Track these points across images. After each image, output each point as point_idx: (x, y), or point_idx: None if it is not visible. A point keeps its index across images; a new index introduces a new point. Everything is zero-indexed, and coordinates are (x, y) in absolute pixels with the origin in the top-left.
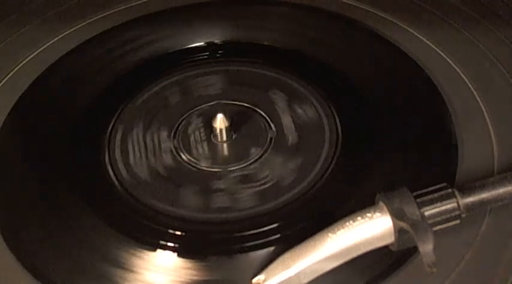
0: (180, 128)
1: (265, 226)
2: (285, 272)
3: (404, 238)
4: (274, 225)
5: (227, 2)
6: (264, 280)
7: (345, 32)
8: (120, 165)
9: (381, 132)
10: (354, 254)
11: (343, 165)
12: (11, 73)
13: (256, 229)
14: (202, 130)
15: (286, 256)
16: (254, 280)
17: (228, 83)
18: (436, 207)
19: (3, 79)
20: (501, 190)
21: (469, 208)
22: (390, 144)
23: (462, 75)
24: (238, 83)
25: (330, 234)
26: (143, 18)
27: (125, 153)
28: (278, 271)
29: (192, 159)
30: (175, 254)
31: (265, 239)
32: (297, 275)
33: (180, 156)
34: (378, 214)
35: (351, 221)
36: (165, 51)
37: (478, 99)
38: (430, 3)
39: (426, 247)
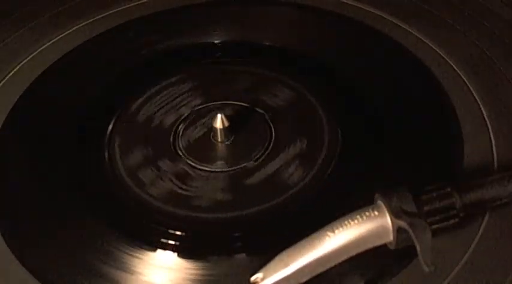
0: (180, 128)
1: (266, 225)
2: (283, 271)
3: (402, 236)
4: (274, 225)
5: (227, 2)
6: (262, 279)
7: (345, 32)
8: (120, 165)
9: (381, 131)
10: (353, 253)
11: (343, 165)
12: (11, 73)
13: (257, 228)
14: (202, 130)
15: (285, 254)
16: (252, 278)
17: (228, 83)
18: (434, 206)
19: (3, 79)
20: (500, 190)
21: (468, 207)
22: (390, 143)
23: (462, 75)
24: (238, 83)
25: (328, 233)
26: (143, 19)
27: (124, 153)
28: (276, 269)
29: (192, 159)
30: (176, 254)
31: (266, 239)
32: (295, 273)
33: (180, 156)
34: (376, 213)
35: (349, 220)
36: (165, 51)
37: (478, 99)
38: (430, 3)
39: (424, 246)
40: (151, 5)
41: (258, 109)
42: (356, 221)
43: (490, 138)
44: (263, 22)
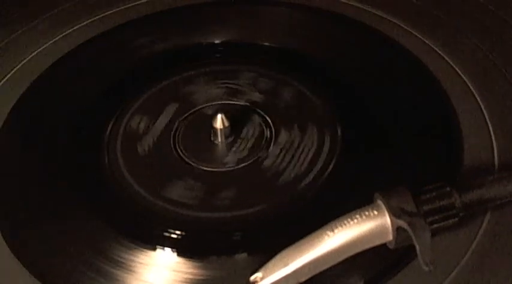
0: (180, 128)
1: (266, 225)
2: (283, 270)
3: (402, 236)
4: (274, 225)
5: (227, 2)
6: (262, 278)
7: (344, 32)
8: (120, 165)
9: (381, 131)
10: (352, 253)
11: (343, 165)
12: (11, 73)
13: (256, 228)
14: (202, 130)
15: (284, 253)
16: (252, 278)
17: (228, 83)
18: (434, 205)
19: (3, 79)
20: (500, 190)
21: (468, 206)
22: (390, 143)
23: (462, 75)
24: (239, 83)
25: (327, 232)
26: (143, 19)
27: (124, 153)
28: (276, 268)
29: (193, 159)
30: (175, 253)
31: (265, 239)
32: (295, 273)
33: (181, 156)
34: (375, 212)
35: (349, 220)
36: (165, 51)
37: (478, 99)
38: (431, 3)
39: (423, 246)
40: (151, 5)
41: (258, 109)
42: (355, 220)
43: (490, 137)
44: (263, 22)
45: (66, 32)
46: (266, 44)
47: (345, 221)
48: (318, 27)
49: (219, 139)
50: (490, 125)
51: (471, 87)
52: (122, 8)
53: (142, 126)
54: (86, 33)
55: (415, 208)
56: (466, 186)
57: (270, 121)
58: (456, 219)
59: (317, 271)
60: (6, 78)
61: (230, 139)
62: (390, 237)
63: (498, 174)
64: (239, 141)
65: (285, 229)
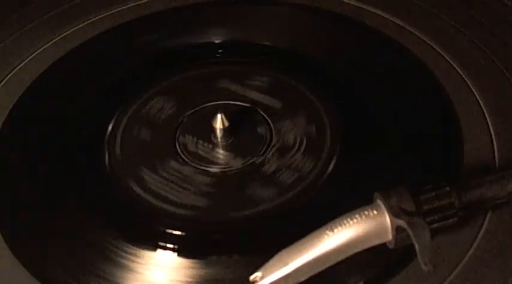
0: (180, 128)
1: (265, 225)
2: (282, 270)
3: (401, 235)
4: (274, 225)
5: (227, 2)
6: (261, 277)
7: (345, 32)
8: (120, 165)
9: (381, 131)
10: (351, 252)
11: (343, 165)
12: (11, 73)
13: (256, 228)
14: (202, 130)
15: (284, 253)
16: (251, 277)
17: (228, 83)
18: (433, 205)
19: (3, 79)
20: (499, 189)
21: (467, 206)
22: (390, 143)
23: (462, 75)
24: (238, 83)
25: (327, 232)
26: (143, 19)
27: (124, 153)
28: (275, 268)
29: (192, 159)
30: (175, 254)
31: (265, 239)
32: (294, 272)
33: (180, 156)
34: (375, 212)
35: (348, 219)
36: (165, 51)
37: (478, 99)
38: (431, 3)
39: (423, 245)
40: (151, 5)
41: (258, 109)
42: (355, 220)
43: (491, 137)
44: (263, 22)
45: (66, 32)
46: (266, 44)
47: (345, 221)
48: (318, 27)
49: (219, 139)
50: (490, 125)
51: (471, 87)
52: (122, 8)
53: (142, 126)
54: (86, 33)
55: (414, 208)
56: (465, 186)
57: (270, 121)
58: (456, 219)
59: (316, 271)
60: (6, 78)
61: (230, 139)
62: (390, 237)
63: (498, 174)
64: (239, 141)
65: (285, 229)
